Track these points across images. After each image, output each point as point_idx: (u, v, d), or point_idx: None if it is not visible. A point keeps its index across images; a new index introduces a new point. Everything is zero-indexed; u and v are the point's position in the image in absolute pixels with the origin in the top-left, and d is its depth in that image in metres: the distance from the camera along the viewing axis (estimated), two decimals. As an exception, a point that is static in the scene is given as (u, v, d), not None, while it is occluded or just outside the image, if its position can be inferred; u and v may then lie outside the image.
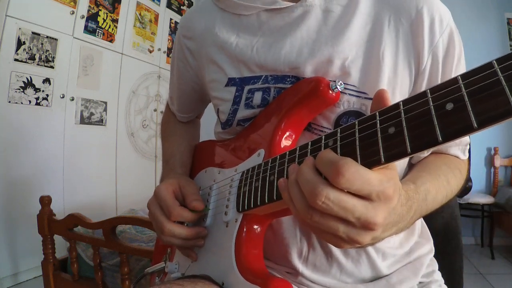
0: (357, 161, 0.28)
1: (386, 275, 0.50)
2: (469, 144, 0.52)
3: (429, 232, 0.57)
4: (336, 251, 0.48)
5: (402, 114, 0.26)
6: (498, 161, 2.63)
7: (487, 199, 2.41)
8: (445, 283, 0.56)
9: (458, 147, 0.51)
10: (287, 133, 0.46)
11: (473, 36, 2.56)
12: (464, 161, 0.52)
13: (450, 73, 0.46)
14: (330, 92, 0.42)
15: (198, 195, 0.52)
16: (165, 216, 0.49)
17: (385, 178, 0.28)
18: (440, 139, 0.23)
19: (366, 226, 0.28)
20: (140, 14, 2.55)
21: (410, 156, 0.25)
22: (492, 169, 2.67)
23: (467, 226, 2.66)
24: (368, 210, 0.28)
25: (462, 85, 0.22)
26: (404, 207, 0.33)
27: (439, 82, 0.46)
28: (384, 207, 0.28)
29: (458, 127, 0.22)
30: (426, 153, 0.51)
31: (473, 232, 2.69)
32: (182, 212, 0.49)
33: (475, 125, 0.21)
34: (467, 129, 0.22)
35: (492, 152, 2.67)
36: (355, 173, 0.27)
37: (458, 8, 2.56)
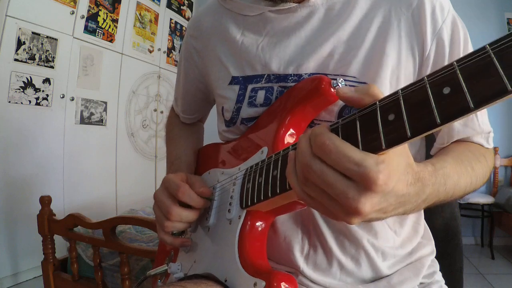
0: (358, 147, 0.28)
1: (387, 276, 0.50)
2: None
3: (430, 234, 0.57)
4: (336, 250, 0.48)
5: (401, 100, 0.26)
6: (498, 161, 2.63)
7: (487, 199, 2.41)
8: (445, 283, 0.56)
9: (480, 135, 0.49)
10: (290, 131, 0.47)
11: (473, 36, 2.53)
12: (489, 149, 0.50)
13: (457, 58, 0.46)
14: (332, 90, 0.43)
15: (205, 184, 0.52)
16: (173, 201, 0.49)
17: (373, 160, 0.26)
18: (439, 121, 0.24)
19: (348, 209, 0.27)
20: (140, 14, 2.55)
21: (411, 140, 0.25)
22: (492, 169, 2.66)
23: (467, 226, 2.66)
24: (349, 191, 0.27)
25: (457, 69, 0.23)
26: (411, 187, 0.30)
27: None
28: (371, 193, 0.26)
29: (455, 109, 0.23)
30: (446, 144, 0.49)
31: (473, 232, 2.69)
32: (190, 192, 0.49)
33: (472, 106, 0.22)
34: (464, 110, 0.22)
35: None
36: (331, 144, 0.27)
37: (458, 8, 2.55)
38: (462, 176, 0.40)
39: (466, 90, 0.22)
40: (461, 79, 0.23)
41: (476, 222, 2.62)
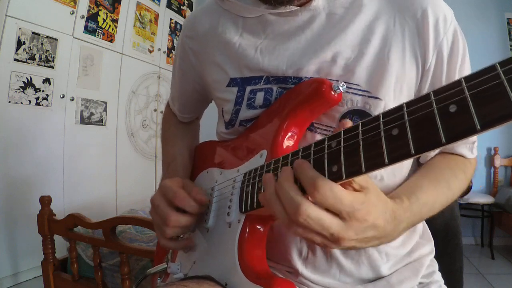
0: (360, 162, 0.28)
1: (386, 276, 0.50)
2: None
3: (430, 234, 0.57)
4: (335, 251, 0.48)
5: (406, 116, 0.26)
6: (498, 161, 2.63)
7: (487, 199, 2.41)
8: (445, 283, 0.56)
9: (465, 145, 0.50)
10: (289, 134, 0.46)
11: (473, 36, 2.56)
12: (470, 160, 0.51)
13: (454, 71, 0.47)
14: (333, 93, 0.42)
15: (202, 191, 0.52)
16: (170, 207, 0.49)
17: (358, 201, 0.31)
18: (444, 140, 0.23)
19: (336, 240, 0.33)
20: (140, 14, 2.55)
21: (414, 157, 0.25)
22: (492, 169, 2.67)
23: (467, 226, 2.66)
24: (341, 228, 0.32)
25: (465, 88, 0.22)
26: (389, 224, 0.35)
27: (443, 80, 0.47)
28: (353, 227, 0.32)
29: (461, 129, 0.22)
30: (432, 153, 0.51)
31: (473, 232, 2.69)
32: (188, 198, 0.49)
33: (478, 127, 0.21)
34: (470, 131, 0.22)
35: (492, 152, 2.67)
36: (329, 190, 0.30)
37: (458, 8, 2.55)
38: (438, 198, 0.44)
39: (473, 111, 0.22)
40: (469, 98, 0.22)
41: (476, 222, 2.62)
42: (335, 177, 0.30)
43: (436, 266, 0.56)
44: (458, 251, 0.68)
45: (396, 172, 0.50)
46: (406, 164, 0.52)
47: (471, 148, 0.51)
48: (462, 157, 0.50)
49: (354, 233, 0.32)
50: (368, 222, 0.32)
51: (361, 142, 0.28)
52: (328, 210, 0.32)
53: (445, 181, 0.46)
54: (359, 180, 0.33)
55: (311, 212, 0.31)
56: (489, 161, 2.69)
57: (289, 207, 0.32)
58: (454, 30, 0.46)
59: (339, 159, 0.30)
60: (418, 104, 0.25)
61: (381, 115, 0.28)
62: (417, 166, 0.53)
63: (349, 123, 0.35)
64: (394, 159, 0.26)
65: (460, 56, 0.46)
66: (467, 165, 0.50)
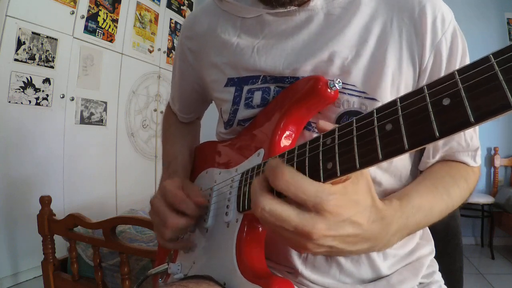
0: (355, 159, 0.28)
1: (386, 276, 0.50)
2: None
3: (430, 234, 0.57)
4: None
5: (400, 111, 0.26)
6: (498, 161, 2.63)
7: (487, 199, 2.41)
8: (445, 283, 0.56)
9: (466, 153, 0.48)
10: (287, 133, 0.46)
11: (473, 36, 2.55)
12: (473, 168, 0.49)
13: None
14: (329, 90, 0.42)
15: (200, 193, 0.53)
16: (169, 209, 0.50)
17: (325, 192, 0.29)
18: (438, 134, 0.23)
19: (303, 234, 0.30)
20: (140, 14, 2.55)
21: (408, 152, 0.25)
22: (492, 169, 2.67)
23: (467, 226, 2.66)
24: (304, 219, 0.29)
25: (458, 80, 0.22)
26: (374, 224, 0.33)
27: None
28: (324, 219, 0.29)
29: (455, 122, 0.22)
30: (432, 159, 0.49)
31: (473, 232, 2.69)
32: (187, 201, 0.50)
33: (472, 120, 0.21)
34: (464, 124, 0.21)
35: (492, 152, 2.67)
36: (290, 178, 0.29)
37: (458, 8, 2.56)
38: (436, 204, 0.42)
39: (467, 104, 0.21)
40: (462, 90, 0.22)
41: (476, 222, 2.62)
42: (330, 174, 0.30)
43: (436, 266, 0.56)
44: (458, 251, 0.68)
45: (395, 175, 0.50)
46: (406, 167, 0.51)
47: (474, 156, 0.49)
48: (465, 165, 0.49)
49: (326, 226, 0.29)
50: (342, 216, 0.30)
51: (355, 139, 0.28)
52: (295, 204, 0.30)
53: (444, 188, 0.44)
54: (351, 176, 0.31)
55: (266, 204, 0.30)
56: (489, 161, 2.69)
57: (252, 200, 0.32)
58: (453, 30, 0.46)
59: (333, 156, 0.30)
60: (412, 98, 0.25)
61: (375, 110, 0.28)
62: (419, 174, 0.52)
63: (329, 126, 0.33)
64: (388, 155, 0.26)
65: (460, 57, 0.46)
66: (469, 173, 0.48)
